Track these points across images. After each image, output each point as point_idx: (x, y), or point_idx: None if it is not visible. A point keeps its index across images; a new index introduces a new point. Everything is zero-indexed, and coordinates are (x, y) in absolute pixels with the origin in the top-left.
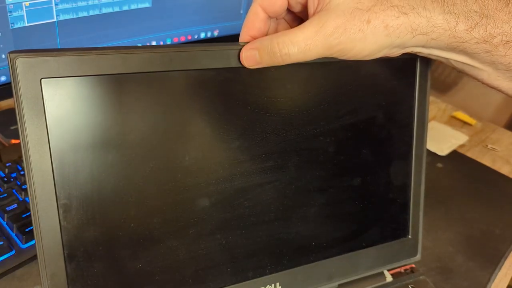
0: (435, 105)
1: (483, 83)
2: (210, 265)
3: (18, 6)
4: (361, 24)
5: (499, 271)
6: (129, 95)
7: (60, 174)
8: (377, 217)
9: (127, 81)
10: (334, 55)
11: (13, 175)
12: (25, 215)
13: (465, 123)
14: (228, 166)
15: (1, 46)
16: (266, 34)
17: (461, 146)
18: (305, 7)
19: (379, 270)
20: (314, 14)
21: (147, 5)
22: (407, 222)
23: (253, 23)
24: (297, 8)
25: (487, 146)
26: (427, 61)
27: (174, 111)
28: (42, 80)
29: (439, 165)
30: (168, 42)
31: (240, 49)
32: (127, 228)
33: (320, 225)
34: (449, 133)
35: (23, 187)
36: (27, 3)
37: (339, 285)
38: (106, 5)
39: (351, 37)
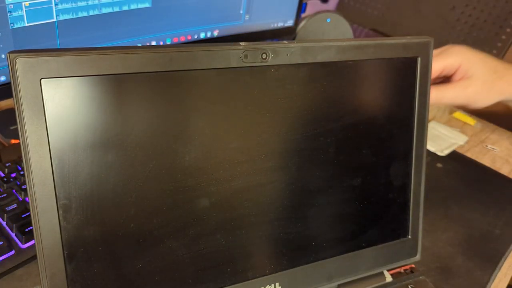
0: (435, 105)
1: None
2: (210, 265)
3: (18, 6)
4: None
5: (498, 271)
6: (129, 95)
7: (60, 174)
8: (377, 217)
9: (127, 81)
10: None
11: (13, 175)
12: (24, 215)
13: (464, 123)
14: (228, 166)
15: (1, 46)
16: None
17: (461, 146)
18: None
19: (379, 270)
20: (460, 80)
21: (147, 5)
22: (407, 222)
23: None
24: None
25: (486, 146)
26: (427, 62)
27: (174, 111)
28: (42, 80)
29: (439, 165)
30: (168, 42)
31: (240, 49)
32: (127, 228)
33: (320, 225)
34: (449, 133)
35: (23, 187)
36: (27, 3)
37: (339, 285)
38: (106, 5)
39: (480, 98)
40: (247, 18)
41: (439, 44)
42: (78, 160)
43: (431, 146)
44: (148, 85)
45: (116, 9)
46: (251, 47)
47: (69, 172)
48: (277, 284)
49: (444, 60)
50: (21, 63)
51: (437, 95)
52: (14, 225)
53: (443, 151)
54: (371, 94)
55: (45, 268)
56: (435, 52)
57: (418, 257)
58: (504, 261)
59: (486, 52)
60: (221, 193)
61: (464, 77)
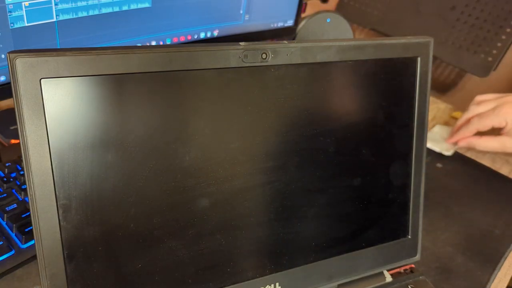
0: (435, 105)
1: None
2: (210, 265)
3: (17, 6)
4: None
5: (498, 271)
6: (129, 95)
7: (60, 174)
8: (377, 217)
9: (127, 81)
10: None
11: (13, 175)
12: (24, 215)
13: None
14: (228, 166)
15: (1, 46)
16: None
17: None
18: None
19: (378, 270)
20: (503, 134)
21: (147, 5)
22: (406, 222)
23: (459, 126)
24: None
25: None
26: (427, 62)
27: (173, 111)
28: (42, 80)
29: (439, 165)
30: (168, 42)
31: (240, 49)
32: (127, 228)
33: (320, 225)
34: (449, 133)
35: (23, 187)
36: (26, 3)
37: (339, 285)
38: (106, 5)
39: None
40: (247, 18)
41: (439, 44)
42: (78, 160)
43: (436, 147)
44: (148, 85)
45: (116, 9)
46: (251, 47)
47: (69, 172)
48: (277, 284)
49: (493, 120)
50: (21, 63)
51: (481, 145)
52: (14, 225)
53: (442, 151)
54: (371, 94)
55: (45, 268)
56: (489, 102)
57: (418, 257)
58: (504, 261)
59: (486, 53)
60: (220, 193)
61: (506, 134)
